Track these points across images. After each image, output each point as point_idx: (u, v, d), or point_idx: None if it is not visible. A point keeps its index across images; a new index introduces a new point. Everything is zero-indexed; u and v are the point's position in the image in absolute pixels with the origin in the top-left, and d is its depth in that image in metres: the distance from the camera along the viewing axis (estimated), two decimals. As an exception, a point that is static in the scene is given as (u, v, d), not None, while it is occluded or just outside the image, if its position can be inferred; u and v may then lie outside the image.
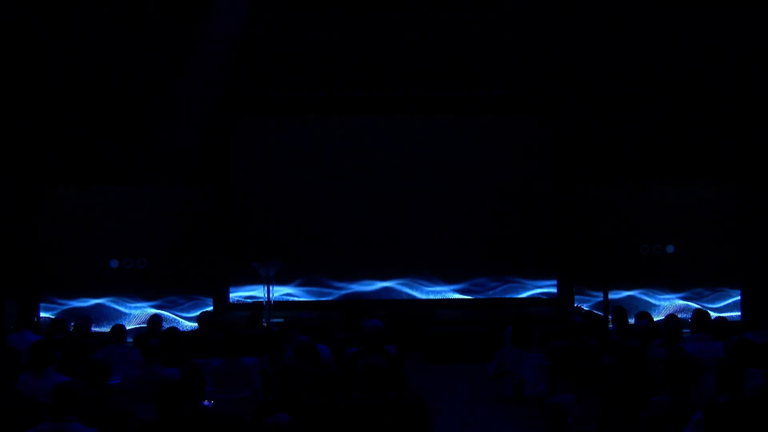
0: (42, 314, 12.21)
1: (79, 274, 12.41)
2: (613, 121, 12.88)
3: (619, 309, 8.73)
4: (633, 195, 13.05)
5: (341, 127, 13.44)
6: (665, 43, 12.05)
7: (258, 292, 12.43)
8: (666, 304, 12.79)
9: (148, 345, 6.43)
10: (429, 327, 12.15)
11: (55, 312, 12.16)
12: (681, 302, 12.77)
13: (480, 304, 13.11)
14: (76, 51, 12.07)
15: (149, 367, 6.28)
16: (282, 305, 12.60)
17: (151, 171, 12.68)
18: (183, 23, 11.77)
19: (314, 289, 13.17)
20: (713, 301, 12.75)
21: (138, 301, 12.52)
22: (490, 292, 13.27)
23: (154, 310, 12.01)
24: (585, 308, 12.39)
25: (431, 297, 13.22)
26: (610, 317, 9.42)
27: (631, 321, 8.97)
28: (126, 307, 12.48)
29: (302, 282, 13.13)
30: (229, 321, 11.90)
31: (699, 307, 12.05)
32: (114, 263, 12.54)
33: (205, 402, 5.29)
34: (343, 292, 13.20)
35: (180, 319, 12.42)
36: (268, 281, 11.40)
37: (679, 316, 9.50)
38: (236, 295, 13.12)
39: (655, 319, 9.15)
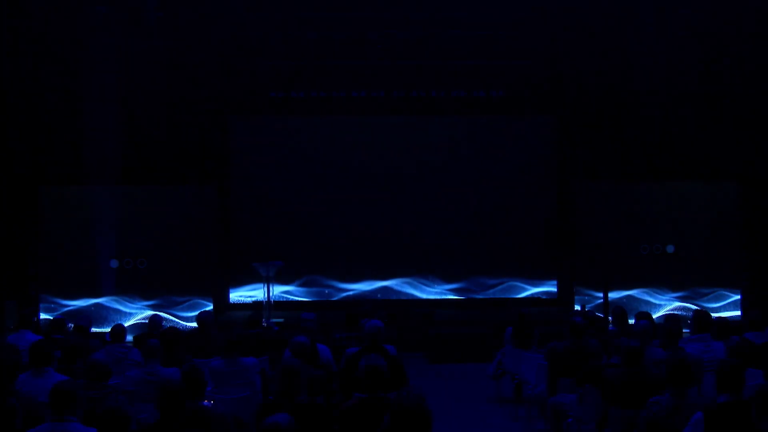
0: (42, 314, 12.20)
1: (79, 274, 12.39)
2: (613, 121, 12.88)
3: (619, 309, 8.72)
4: (633, 195, 13.03)
5: (341, 127, 13.44)
6: (665, 43, 12.04)
7: (258, 292, 12.41)
8: (666, 304, 12.78)
9: (148, 345, 6.43)
10: (429, 327, 12.14)
11: (55, 312, 12.14)
12: (681, 302, 12.76)
13: (480, 304, 13.10)
14: (77, 50, 12.07)
15: (149, 367, 6.27)
16: (282, 305, 12.60)
17: (151, 171, 12.68)
18: (183, 23, 11.78)
19: (314, 289, 13.16)
20: (713, 301, 12.74)
21: (138, 301, 12.51)
22: (490, 292, 13.27)
23: (153, 311, 11.99)
24: (585, 308, 12.37)
25: (431, 297, 13.22)
26: (610, 317, 9.42)
27: (631, 321, 8.96)
28: (126, 307, 12.46)
29: (302, 282, 13.13)
30: (229, 321, 11.90)
31: (699, 307, 12.03)
32: (114, 263, 12.52)
33: (205, 402, 5.28)
34: (343, 292, 13.20)
35: (180, 320, 12.41)
36: (268, 281, 11.40)
37: (679, 316, 9.50)
38: (236, 295, 13.12)
39: (655, 319, 9.14)
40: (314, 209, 13.19)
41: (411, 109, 13.26)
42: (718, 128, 12.72)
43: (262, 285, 11.56)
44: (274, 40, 12.55)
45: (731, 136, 12.70)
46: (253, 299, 12.80)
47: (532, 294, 13.25)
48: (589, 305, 12.65)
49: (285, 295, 13.02)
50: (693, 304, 12.54)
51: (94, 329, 10.05)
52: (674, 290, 12.83)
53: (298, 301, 13.04)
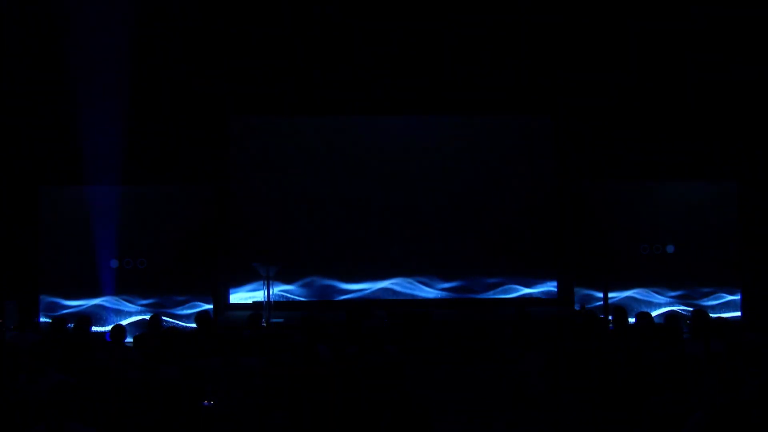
0: (42, 315, 12.20)
1: (79, 274, 12.39)
2: (613, 121, 12.87)
3: (619, 309, 8.73)
4: (633, 195, 13.04)
5: (341, 127, 13.44)
6: (665, 43, 12.03)
7: (258, 292, 12.41)
8: (666, 304, 12.78)
9: (148, 345, 6.43)
10: (429, 327, 12.13)
11: (55, 312, 12.14)
12: (681, 302, 12.76)
13: (480, 304, 13.10)
14: (77, 50, 12.06)
15: (149, 367, 6.27)
16: (282, 305, 12.61)
17: (151, 171, 12.68)
18: (183, 23, 11.77)
19: (314, 289, 13.16)
20: (713, 301, 12.74)
21: (138, 301, 12.51)
22: (491, 292, 13.27)
23: (153, 310, 11.99)
24: (585, 308, 12.37)
25: (431, 297, 13.22)
26: (610, 317, 9.41)
27: (632, 321, 8.96)
28: (126, 307, 12.47)
29: (302, 282, 13.13)
30: (229, 321, 11.90)
31: (699, 307, 12.04)
32: (114, 263, 12.53)
33: (205, 402, 5.28)
34: (343, 292, 13.19)
35: (179, 320, 12.41)
36: (268, 281, 11.40)
37: (680, 315, 9.50)
38: (236, 295, 13.12)
39: (654, 319, 9.14)
40: (314, 209, 13.20)
41: (411, 109, 13.26)
42: (718, 128, 12.73)
43: (262, 285, 11.57)
44: (274, 40, 12.54)
45: (731, 136, 12.70)
46: (253, 299, 12.79)
47: (532, 294, 13.25)
48: (590, 305, 12.65)
49: (285, 294, 13.02)
50: (693, 304, 12.55)
51: (94, 329, 10.06)
52: (674, 290, 12.84)
53: (298, 301, 13.04)
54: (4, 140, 12.26)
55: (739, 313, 12.65)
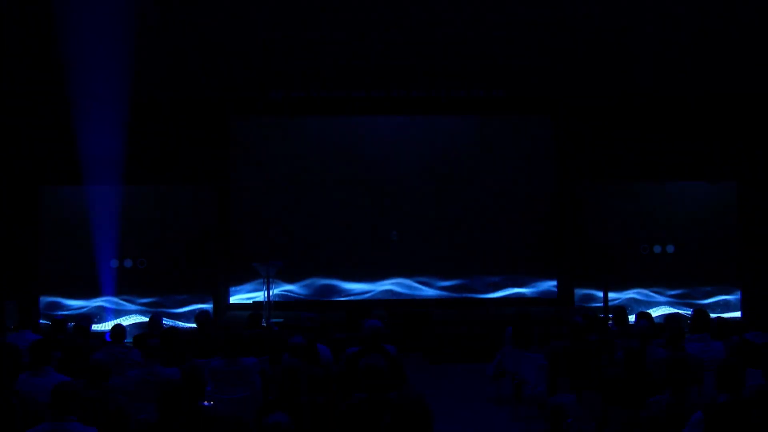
0: (42, 315, 12.21)
1: (79, 274, 12.40)
2: (613, 121, 12.89)
3: (619, 309, 8.73)
4: (633, 195, 13.05)
5: (341, 127, 13.44)
6: (665, 42, 12.04)
7: (258, 292, 12.42)
8: (666, 304, 12.78)
9: (148, 345, 6.43)
10: (429, 327, 12.14)
11: (55, 312, 12.15)
12: (680, 302, 12.77)
13: (480, 304, 13.11)
14: (78, 50, 12.06)
15: (149, 367, 6.27)
16: (282, 305, 12.61)
17: (151, 171, 12.69)
18: (183, 23, 11.76)
19: (314, 289, 13.17)
20: (713, 301, 12.74)
21: (138, 301, 12.52)
22: (491, 292, 13.27)
23: (153, 310, 12.00)
24: (585, 308, 12.38)
25: (431, 296, 13.22)
26: (610, 317, 9.41)
27: (632, 321, 8.97)
28: (126, 307, 12.48)
29: (302, 282, 13.13)
30: (229, 321, 11.90)
31: (699, 307, 12.04)
32: (114, 263, 12.53)
33: (205, 402, 5.28)
34: (343, 292, 13.20)
35: (179, 320, 12.41)
36: (268, 281, 11.41)
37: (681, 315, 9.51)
38: (236, 295, 13.12)
39: (654, 319, 9.14)
40: (314, 209, 13.20)
41: (411, 109, 13.26)
42: (717, 128, 12.73)
43: (262, 285, 11.57)
44: (274, 40, 12.54)
45: (731, 136, 12.71)
46: (253, 299, 12.80)
47: (531, 294, 13.25)
48: (589, 305, 12.66)
49: (286, 293, 13.02)
50: (693, 303, 12.55)
51: (94, 329, 10.06)
52: (674, 290, 12.85)
53: (298, 301, 13.05)
54: (4, 140, 12.27)
55: (739, 313, 12.66)
